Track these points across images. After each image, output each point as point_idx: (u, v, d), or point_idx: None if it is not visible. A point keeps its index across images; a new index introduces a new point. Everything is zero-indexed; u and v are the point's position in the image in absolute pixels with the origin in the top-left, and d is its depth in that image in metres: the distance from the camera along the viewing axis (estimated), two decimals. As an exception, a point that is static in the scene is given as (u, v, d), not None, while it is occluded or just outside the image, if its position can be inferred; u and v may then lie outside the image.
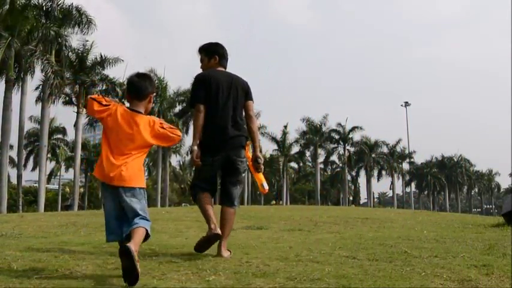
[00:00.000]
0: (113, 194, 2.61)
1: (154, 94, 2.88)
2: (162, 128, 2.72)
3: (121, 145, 2.61)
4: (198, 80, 3.42)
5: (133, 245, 2.37)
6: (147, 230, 2.56)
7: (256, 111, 40.37)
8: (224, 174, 3.38)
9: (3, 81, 20.69)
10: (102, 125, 2.70)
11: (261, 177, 3.54)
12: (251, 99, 3.46)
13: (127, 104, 2.79)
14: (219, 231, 3.14)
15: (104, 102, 2.67)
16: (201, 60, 3.54)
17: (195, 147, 3.28)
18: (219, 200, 3.62)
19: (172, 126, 2.77)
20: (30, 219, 7.23)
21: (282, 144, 44.46)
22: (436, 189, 63.22)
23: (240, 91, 3.40)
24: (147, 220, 2.60)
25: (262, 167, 3.42)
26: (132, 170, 2.61)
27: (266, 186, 3.64)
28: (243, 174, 3.42)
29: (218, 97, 3.31)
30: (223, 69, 3.48)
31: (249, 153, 3.50)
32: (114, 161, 2.58)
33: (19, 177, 22.47)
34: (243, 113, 3.45)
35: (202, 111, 3.29)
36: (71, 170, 42.17)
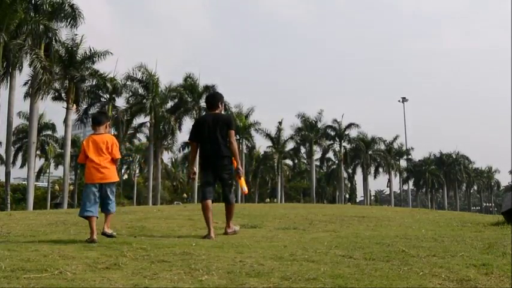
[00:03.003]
0: (96, 188, 4.23)
1: (110, 122, 4.74)
2: (116, 144, 4.42)
3: (99, 156, 4.25)
4: (193, 123, 5.21)
5: (107, 228, 4.29)
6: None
7: (250, 107, 40.46)
8: (221, 184, 4.95)
9: (-9, 76, 20.38)
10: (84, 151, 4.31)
11: (241, 183, 5.00)
12: (231, 129, 4.92)
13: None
14: (212, 235, 4.52)
15: (82, 148, 4.37)
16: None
17: (190, 169, 5.41)
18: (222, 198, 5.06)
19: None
20: (18, 217, 7.15)
21: (276, 140, 43.77)
22: (434, 187, 62.34)
23: (222, 125, 4.86)
24: (114, 202, 4.35)
25: (242, 175, 4.99)
26: (111, 170, 4.31)
27: (245, 189, 5.17)
28: (230, 181, 4.98)
29: (205, 132, 4.86)
30: (213, 112, 5.03)
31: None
32: (97, 167, 4.22)
33: (7, 174, 22.12)
34: (226, 139, 4.88)
35: (194, 145, 5.06)
36: (60, 167, 41.86)
